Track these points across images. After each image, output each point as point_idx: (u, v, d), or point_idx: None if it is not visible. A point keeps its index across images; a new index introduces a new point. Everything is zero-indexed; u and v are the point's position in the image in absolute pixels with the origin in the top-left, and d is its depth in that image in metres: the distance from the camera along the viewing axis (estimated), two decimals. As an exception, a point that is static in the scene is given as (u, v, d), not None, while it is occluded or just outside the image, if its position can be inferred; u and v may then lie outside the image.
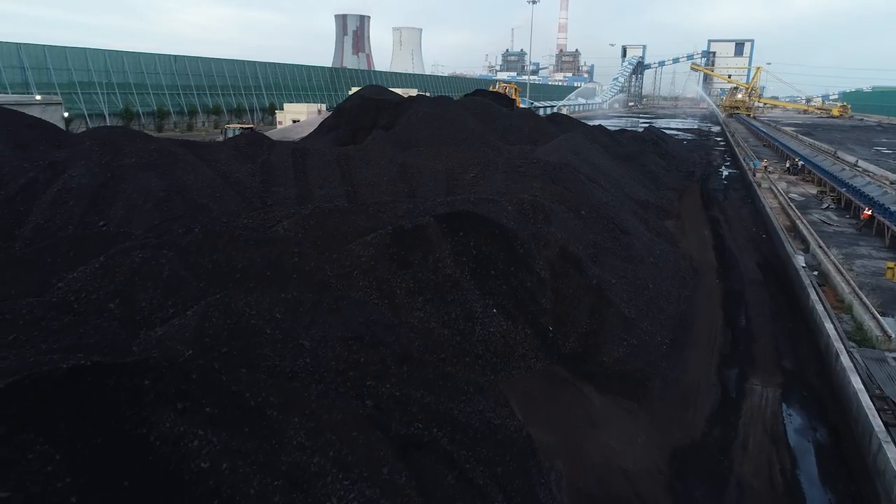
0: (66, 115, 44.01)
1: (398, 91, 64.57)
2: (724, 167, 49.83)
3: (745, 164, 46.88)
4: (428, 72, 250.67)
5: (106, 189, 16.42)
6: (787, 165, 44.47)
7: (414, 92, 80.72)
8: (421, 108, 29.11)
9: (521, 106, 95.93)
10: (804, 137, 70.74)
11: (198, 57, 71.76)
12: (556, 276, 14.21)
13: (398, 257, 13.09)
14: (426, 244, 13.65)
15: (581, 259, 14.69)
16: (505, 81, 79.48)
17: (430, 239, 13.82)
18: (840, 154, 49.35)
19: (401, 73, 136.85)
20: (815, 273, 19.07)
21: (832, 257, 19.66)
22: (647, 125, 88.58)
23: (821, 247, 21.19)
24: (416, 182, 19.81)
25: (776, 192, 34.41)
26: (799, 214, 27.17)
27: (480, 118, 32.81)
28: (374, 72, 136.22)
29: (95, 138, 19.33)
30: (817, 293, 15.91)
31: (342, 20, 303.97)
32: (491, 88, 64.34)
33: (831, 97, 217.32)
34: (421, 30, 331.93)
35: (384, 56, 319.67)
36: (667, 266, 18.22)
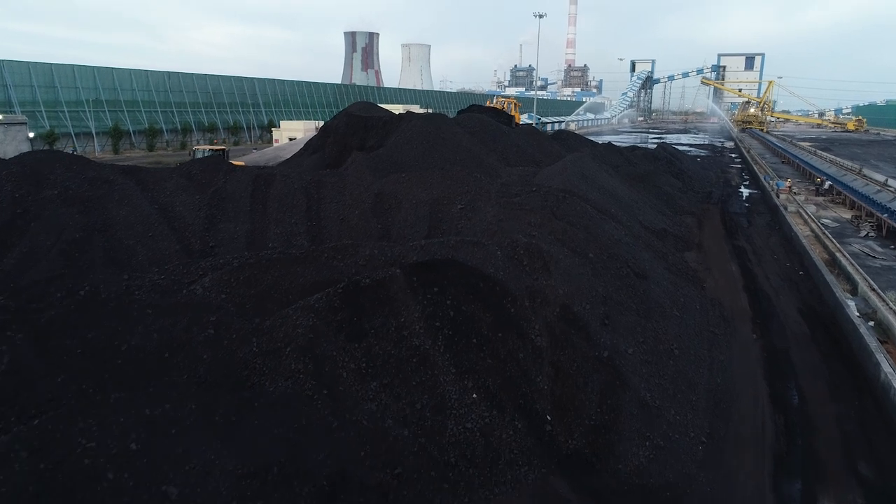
0: (31, 135, 41.60)
1: (397, 108, 62.05)
2: (743, 187, 46.52)
3: (766, 184, 43.60)
4: (436, 88, 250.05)
5: (10, 230, 13.55)
6: (822, 186, 40.97)
7: (417, 108, 78.24)
8: (410, 126, 26.23)
9: (525, 122, 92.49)
10: (823, 153, 67.36)
11: (192, 73, 69.77)
12: (557, 345, 11.09)
13: (349, 325, 10.06)
14: (388, 305, 10.62)
15: (588, 322, 11.56)
16: (504, 96, 74.82)
17: (394, 297, 10.78)
18: (866, 172, 45.95)
19: (409, 89, 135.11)
20: (872, 323, 15.83)
21: (891, 305, 16.40)
22: (658, 141, 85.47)
23: (873, 289, 17.92)
24: (392, 216, 16.81)
25: (806, 216, 31.13)
26: (838, 246, 23.87)
27: (478, 137, 29.88)
28: (383, 88, 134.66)
29: (20, 165, 16.51)
30: (886, 359, 12.66)
31: (351, 37, 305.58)
32: (488, 104, 60.62)
33: (844, 111, 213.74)
34: (429, 46, 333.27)
35: (393, 72, 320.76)
36: (693, 318, 15.03)
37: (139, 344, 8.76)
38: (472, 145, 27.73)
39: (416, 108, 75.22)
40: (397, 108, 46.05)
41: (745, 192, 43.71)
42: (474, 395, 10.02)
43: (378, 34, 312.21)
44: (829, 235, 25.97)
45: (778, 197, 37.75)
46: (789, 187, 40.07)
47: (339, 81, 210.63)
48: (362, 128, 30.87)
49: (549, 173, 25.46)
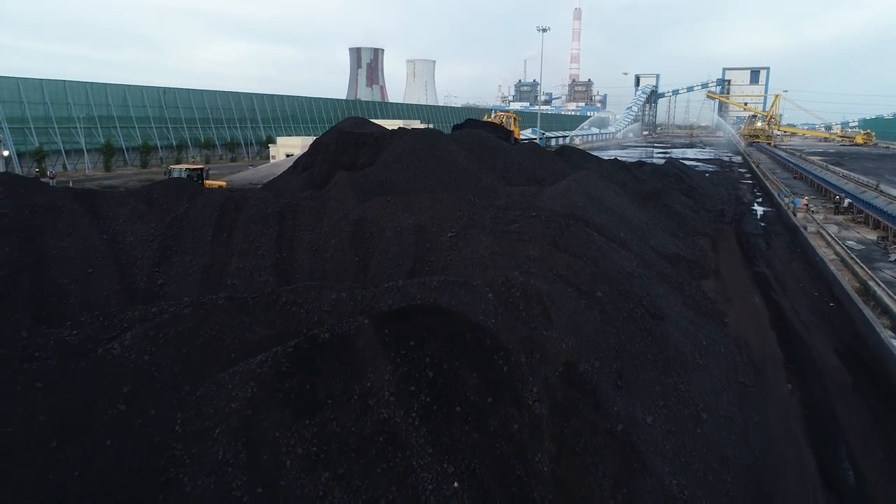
0: (5, 153, 40.03)
1: (391, 123, 60.42)
2: (756, 204, 44.44)
3: (781, 202, 41.52)
4: (441, 102, 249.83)
5: (-77, 267, 11.67)
6: (841, 204, 38.77)
7: (417, 123, 76.60)
8: (401, 143, 24.38)
9: (529, 137, 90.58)
10: (836, 168, 65.28)
11: (189, 89, 68.52)
12: (560, 415, 9.06)
13: (299, 395, 8.07)
14: (352, 366, 8.64)
15: (598, 383, 9.53)
16: (503, 110, 71.36)
17: (359, 356, 8.81)
18: (883, 188, 43.80)
19: (413, 104, 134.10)
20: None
21: (945, 347, 14.28)
22: (665, 155, 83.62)
23: (920, 327, 15.81)
24: (373, 246, 14.87)
25: (828, 237, 29.02)
26: (870, 273, 21.76)
27: (475, 154, 28.03)
28: (386, 103, 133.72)
29: (-44, 190, 14.69)
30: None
31: (356, 53, 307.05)
32: (486, 118, 57.62)
33: (851, 124, 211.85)
34: (434, 62, 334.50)
35: (398, 88, 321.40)
36: (718, 366, 12.96)
37: (18, 431, 6.80)
38: (468, 163, 25.86)
39: (417, 124, 73.69)
40: (392, 124, 44.27)
41: (760, 210, 41.62)
42: (455, 484, 7.99)
43: (383, 50, 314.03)
44: (857, 260, 23.86)
45: (795, 215, 35.65)
46: (806, 205, 38.00)
47: (344, 97, 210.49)
48: (353, 145, 29.08)
49: (553, 193, 23.54)
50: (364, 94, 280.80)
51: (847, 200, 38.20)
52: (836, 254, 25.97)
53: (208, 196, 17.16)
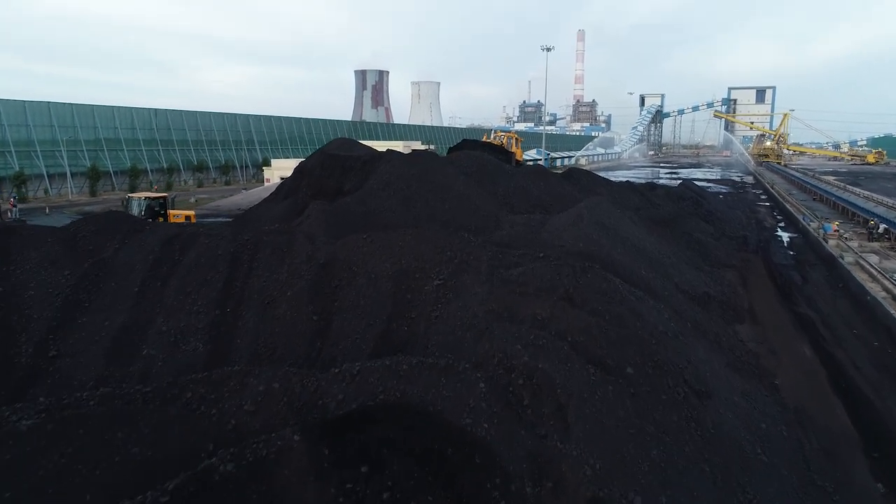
0: None
1: (397, 145, 57.79)
2: (779, 229, 41.32)
3: (807, 227, 38.41)
4: (446, 123, 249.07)
5: None
6: (875, 230, 35.47)
7: (418, 145, 74.02)
8: (389, 168, 21.55)
9: (533, 157, 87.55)
10: (855, 189, 62.23)
11: (181, 110, 66.47)
12: (584, 586, 6.00)
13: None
14: (268, 516, 5.63)
15: (640, 531, 6.45)
16: (504, 130, 67.27)
17: (282, 496, 5.82)
18: (913, 211, 40.70)
19: (418, 126, 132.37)
20: None
21: None
22: (673, 175, 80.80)
23: None
24: (340, 298, 11.89)
25: (871, 269, 25.85)
26: (935, 316, 18.59)
27: (474, 179, 25.18)
28: (392, 124, 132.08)
29: None
30: None
31: (362, 75, 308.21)
32: (485, 139, 53.63)
33: (859, 142, 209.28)
34: (439, 83, 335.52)
35: (403, 109, 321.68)
36: (785, 460, 9.84)
37: None
38: (466, 189, 22.97)
39: (417, 145, 71.21)
40: (392, 145, 41.53)
41: (785, 236, 38.47)
42: None
43: (388, 72, 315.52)
44: (914, 298, 20.71)
45: (826, 243, 32.52)
46: (837, 231, 34.86)
47: (349, 118, 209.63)
48: (339, 169, 26.29)
49: (562, 224, 20.61)
50: (369, 115, 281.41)
51: (882, 226, 35.01)
52: (886, 290, 22.81)
53: (149, 234, 14.29)
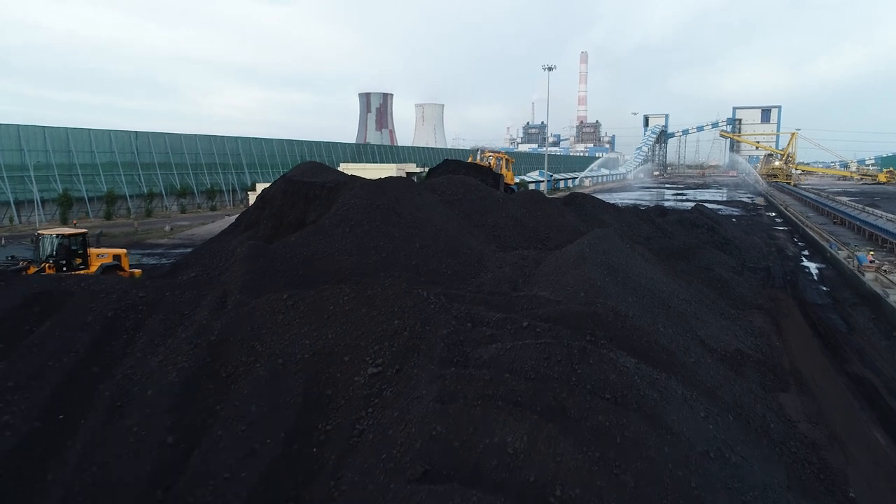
0: None
1: (390, 169, 54.26)
2: (804, 258, 37.43)
3: (836, 256, 34.51)
4: (449, 145, 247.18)
5: None
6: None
7: (413, 167, 70.67)
8: (351, 198, 17.95)
9: (536, 179, 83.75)
10: (875, 210, 58.31)
11: (164, 133, 63.56)
12: None
13: None
14: None
15: None
16: (493, 150, 61.61)
17: None
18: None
19: (421, 147, 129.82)
20: None
21: None
22: (679, 196, 77.19)
23: None
24: (227, 398, 8.16)
25: (926, 312, 21.92)
26: None
27: (458, 208, 21.57)
28: (395, 146, 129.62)
29: None
30: None
31: (366, 98, 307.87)
32: (470, 159, 48.57)
33: (868, 161, 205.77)
34: (443, 105, 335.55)
35: (407, 131, 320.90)
36: None
37: None
38: (447, 222, 19.36)
39: (412, 168, 67.95)
40: (388, 169, 37.80)
41: (812, 266, 34.56)
42: None
43: (392, 95, 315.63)
44: None
45: (864, 275, 28.61)
46: (873, 261, 30.96)
47: (353, 141, 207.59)
48: (303, 197, 22.74)
49: (560, 264, 16.89)
50: (373, 138, 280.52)
51: (924, 256, 31.10)
52: (952, 340, 18.90)
53: (6, 292, 10.64)
